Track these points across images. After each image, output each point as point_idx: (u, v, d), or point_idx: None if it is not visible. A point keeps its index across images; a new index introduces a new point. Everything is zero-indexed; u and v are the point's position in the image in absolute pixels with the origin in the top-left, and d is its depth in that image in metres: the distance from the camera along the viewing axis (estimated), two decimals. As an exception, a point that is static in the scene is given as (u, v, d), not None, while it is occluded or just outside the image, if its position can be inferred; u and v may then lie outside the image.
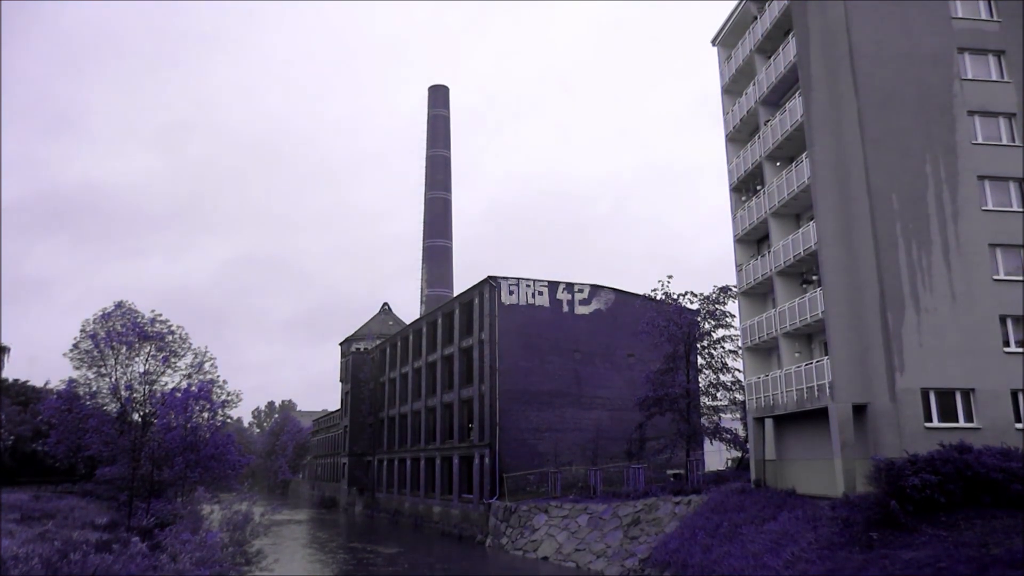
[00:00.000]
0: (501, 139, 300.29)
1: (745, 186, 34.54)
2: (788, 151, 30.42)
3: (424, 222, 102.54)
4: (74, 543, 18.43)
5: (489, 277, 48.30)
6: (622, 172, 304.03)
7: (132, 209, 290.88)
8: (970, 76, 27.40)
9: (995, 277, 25.39)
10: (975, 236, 25.62)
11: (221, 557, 21.91)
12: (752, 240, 33.92)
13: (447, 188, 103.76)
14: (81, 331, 37.40)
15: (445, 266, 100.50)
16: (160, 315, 37.98)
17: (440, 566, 36.04)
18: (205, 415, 34.43)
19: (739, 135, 34.87)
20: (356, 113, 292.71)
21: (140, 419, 36.95)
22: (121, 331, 37.05)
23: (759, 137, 32.23)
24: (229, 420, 41.38)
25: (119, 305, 38.09)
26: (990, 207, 26.06)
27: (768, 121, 31.56)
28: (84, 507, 33.21)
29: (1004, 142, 26.83)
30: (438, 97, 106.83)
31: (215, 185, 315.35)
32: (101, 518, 29.99)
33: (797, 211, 30.27)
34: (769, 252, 31.07)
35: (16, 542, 20.16)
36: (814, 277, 28.86)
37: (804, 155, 28.55)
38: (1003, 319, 25.11)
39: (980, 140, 26.73)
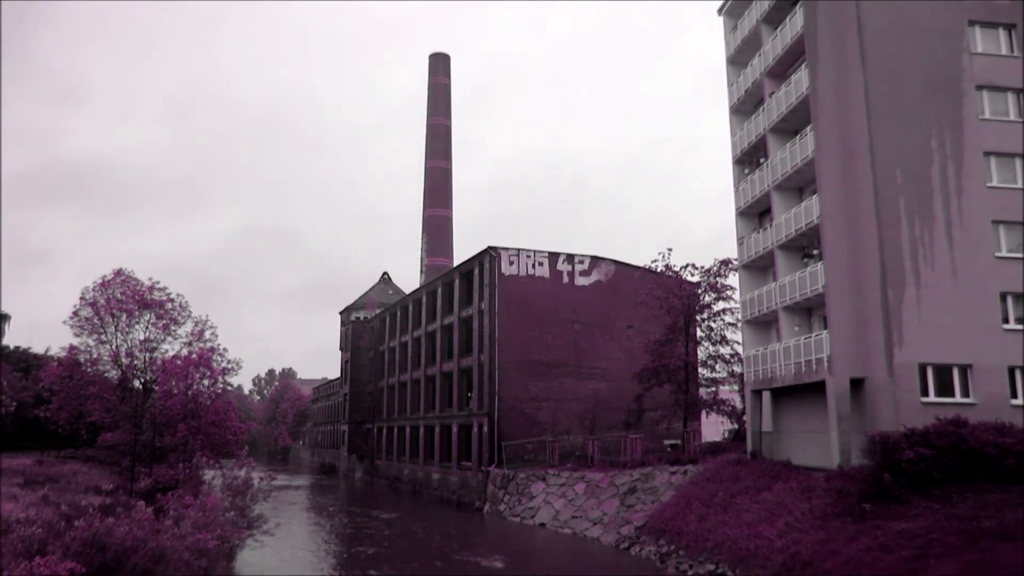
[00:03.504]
0: (503, 113, 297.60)
1: (748, 159, 34.32)
2: (792, 124, 30.16)
3: (424, 191, 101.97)
4: (78, 507, 18.66)
5: (489, 247, 48.23)
6: (624, 146, 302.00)
7: (134, 180, 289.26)
8: (980, 50, 27.04)
9: (997, 254, 25.36)
10: (978, 212, 25.53)
11: (223, 521, 22.18)
12: (754, 214, 33.81)
13: (447, 157, 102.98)
14: (81, 299, 37.39)
15: (445, 236, 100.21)
16: (159, 283, 37.95)
17: (438, 531, 36.56)
18: (205, 382, 34.58)
19: (743, 107, 34.54)
20: (359, 85, 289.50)
21: (141, 386, 37.13)
22: (120, 299, 37.05)
23: (763, 109, 31.94)
24: (230, 387, 41.58)
25: (118, 273, 38.03)
26: (995, 184, 25.92)
27: (773, 93, 31.23)
28: (87, 472, 33.59)
29: (1012, 118, 26.58)
30: (439, 65, 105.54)
31: (217, 156, 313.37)
32: (104, 483, 30.35)
33: (800, 185, 30.12)
34: (771, 226, 30.99)
35: (20, 506, 20.42)
36: (815, 251, 28.82)
37: (808, 128, 28.32)
38: (1003, 296, 25.14)
39: (987, 116, 26.48)
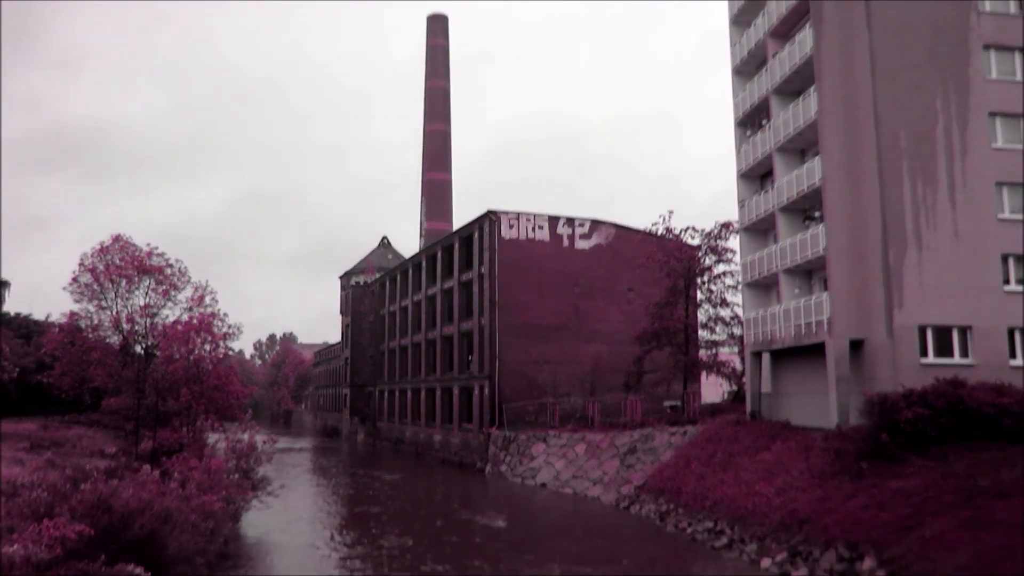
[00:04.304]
0: (503, 76, 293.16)
1: (750, 121, 33.94)
2: (796, 85, 29.74)
3: (423, 155, 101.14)
4: (83, 471, 18.87)
5: (489, 211, 48.01)
6: (626, 109, 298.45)
7: (133, 146, 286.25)
8: (988, 9, 26.51)
9: (1000, 216, 25.24)
10: (982, 174, 25.33)
11: (228, 483, 22.47)
12: (755, 176, 33.56)
13: (446, 121, 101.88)
14: (80, 265, 37.26)
15: (445, 200, 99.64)
16: (157, 248, 37.79)
17: (440, 491, 37.07)
18: (207, 347, 34.66)
19: (746, 68, 34.04)
20: (357, 48, 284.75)
21: (143, 351, 37.24)
22: (120, 265, 36.92)
23: (766, 70, 31.47)
24: (231, 352, 41.71)
25: (117, 239, 37.85)
26: (1000, 145, 25.66)
27: (776, 53, 30.72)
28: (92, 436, 33.92)
29: (1018, 78, 26.17)
30: (437, 27, 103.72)
31: (216, 122, 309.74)
32: (109, 446, 30.66)
33: (802, 146, 29.84)
34: (772, 188, 30.80)
35: (26, 470, 20.65)
36: (817, 214, 28.69)
37: (812, 89, 27.95)
38: (1005, 258, 25.09)
39: (994, 76, 26.08)
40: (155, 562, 12.82)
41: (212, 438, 31.96)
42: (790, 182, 29.20)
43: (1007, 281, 25.09)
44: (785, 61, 29.80)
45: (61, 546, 11.18)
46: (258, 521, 25.26)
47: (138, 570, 11.69)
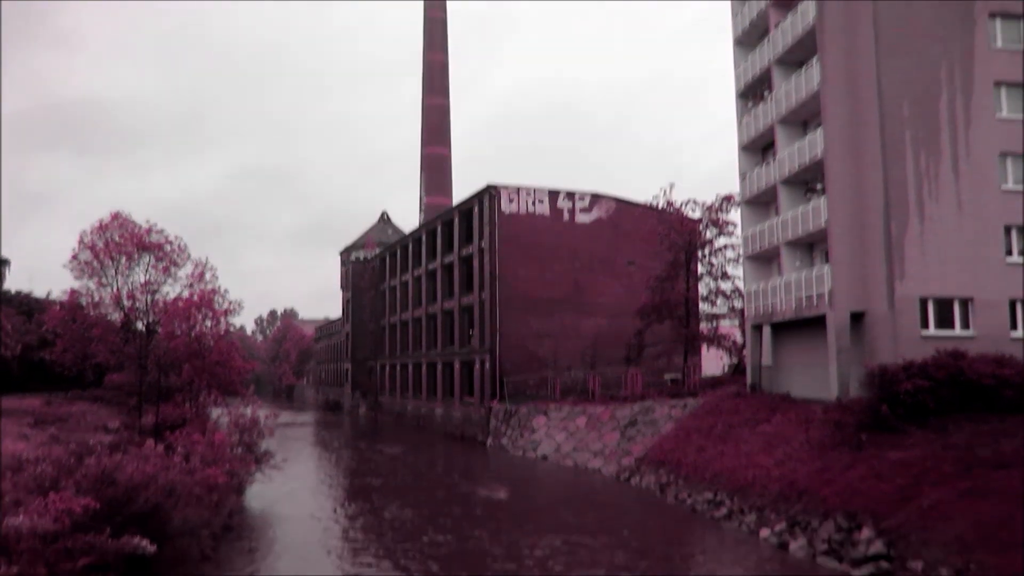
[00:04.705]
0: (502, 48, 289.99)
1: (752, 92, 33.58)
2: (798, 55, 29.36)
3: (422, 129, 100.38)
4: (87, 445, 18.98)
5: (489, 185, 47.78)
6: (626, 81, 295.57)
7: (131, 122, 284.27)
8: (994, -26, 26.09)
9: (1003, 187, 25.06)
10: (986, 144, 25.10)
11: (231, 457, 22.61)
12: (757, 148, 33.31)
13: (445, 94, 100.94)
14: (80, 242, 37.16)
15: (444, 175, 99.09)
16: (156, 224, 37.66)
17: (442, 463, 37.35)
18: (208, 323, 34.69)
19: (748, 38, 33.59)
20: (356, 22, 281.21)
21: (144, 328, 37.28)
22: (119, 241, 36.82)
23: (768, 40, 31.06)
24: (233, 328, 41.78)
25: (116, 216, 37.71)
26: (1004, 115, 25.39)
27: (779, 23, 30.29)
28: (95, 411, 34.06)
29: (1024, 47, 25.85)
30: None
31: (215, 97, 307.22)
32: (112, 421, 30.81)
33: (804, 118, 29.56)
34: (774, 160, 30.58)
35: (31, 445, 20.78)
36: (819, 186, 28.51)
37: (815, 59, 27.60)
38: (1008, 229, 24.96)
39: (999, 45, 25.71)
40: (160, 534, 12.94)
41: (215, 413, 32.13)
42: (792, 154, 28.98)
43: (1009, 252, 24.99)
44: (787, 31, 29.41)
45: (68, 518, 11.27)
46: (262, 494, 25.49)
47: (144, 542, 11.79)
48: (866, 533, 16.59)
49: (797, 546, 17.62)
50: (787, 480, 20.83)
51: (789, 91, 29.24)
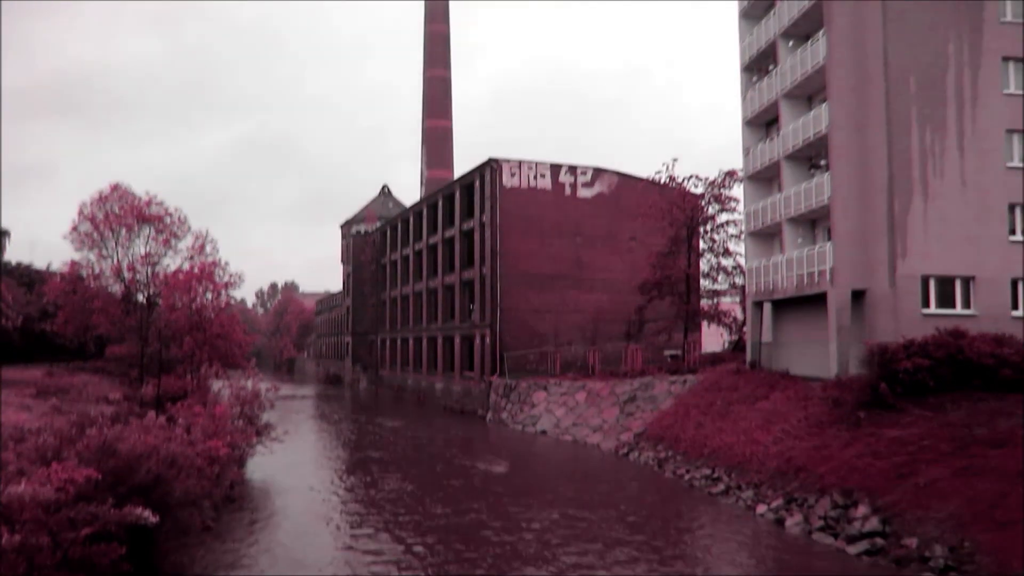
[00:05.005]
0: (504, 21, 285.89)
1: (757, 66, 33.19)
2: (804, 28, 28.96)
3: (423, 102, 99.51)
4: (89, 416, 19.07)
5: (490, 159, 47.49)
6: (630, 55, 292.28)
7: (131, 93, 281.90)
8: (1005, -53, 25.64)
9: (1008, 164, 24.87)
10: (992, 121, 24.87)
11: (232, 429, 22.73)
12: (761, 123, 33.02)
13: (447, 66, 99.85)
14: (79, 214, 37.11)
15: (445, 148, 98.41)
16: (156, 196, 37.58)
17: (442, 437, 37.61)
18: (209, 296, 34.73)
19: (753, 11, 33.09)
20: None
21: (145, 300, 37.36)
22: (119, 213, 36.77)
23: (774, 13, 30.62)
24: (233, 301, 41.85)
25: (115, 187, 37.59)
26: (1011, 90, 25.12)
27: (786, -6, 29.84)
28: (96, 383, 34.20)
29: (1034, 20, 25.47)
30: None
31: (215, 68, 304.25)
32: (113, 393, 30.96)
33: (809, 92, 29.24)
34: (778, 135, 30.32)
35: (34, 415, 20.90)
36: (822, 162, 28.30)
37: (821, 33, 27.23)
38: (1012, 207, 24.84)
39: (1009, 18, 25.35)
40: (162, 505, 13.03)
41: (216, 385, 32.28)
42: (796, 129, 28.72)
43: (1012, 231, 24.89)
44: (794, 3, 28.97)
45: (72, 487, 11.35)
46: (263, 465, 25.69)
47: (146, 513, 11.88)
48: (862, 510, 16.71)
49: (793, 522, 17.77)
50: (785, 457, 20.96)
51: (794, 65, 28.90)
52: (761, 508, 19.27)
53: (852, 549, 15.58)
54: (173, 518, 13.68)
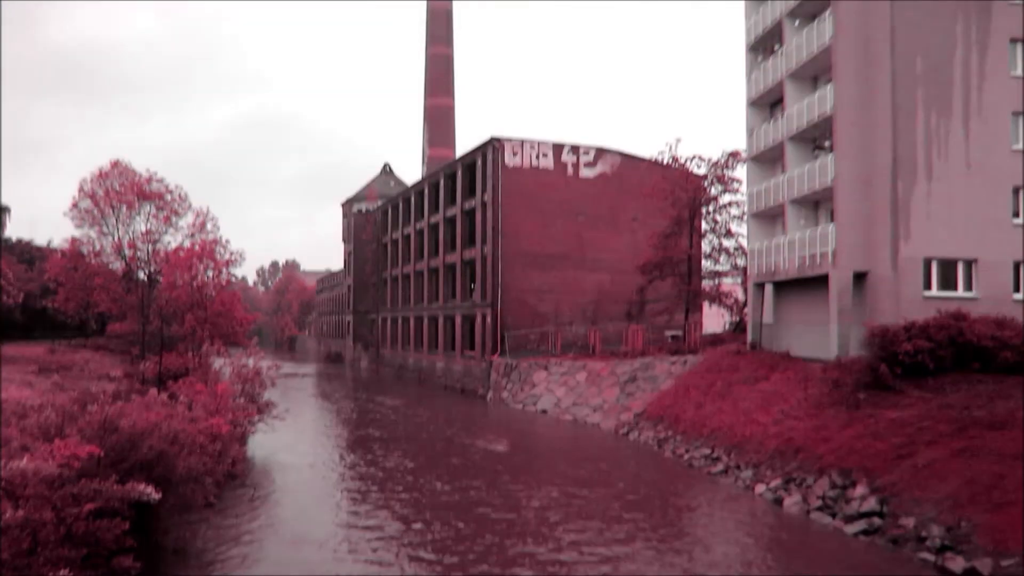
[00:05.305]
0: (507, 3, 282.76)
1: (762, 46, 32.85)
2: (810, 8, 28.60)
3: (425, 80, 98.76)
4: (91, 393, 19.15)
5: (492, 138, 47.22)
6: (634, 34, 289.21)
7: (133, 68, 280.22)
8: (1015, -75, 25.25)
9: (1014, 147, 24.70)
10: (998, 103, 24.66)
11: (234, 406, 22.84)
12: (765, 104, 32.75)
13: (449, 43, 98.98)
14: (80, 190, 37.03)
15: (447, 126, 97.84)
16: (156, 173, 37.49)
17: (443, 416, 37.78)
18: (210, 273, 34.76)
19: (760, -12, 32.70)
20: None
21: (146, 277, 37.41)
22: (119, 190, 36.70)
23: (781, -10, 30.24)
24: (234, 279, 41.89)
25: (115, 164, 37.48)
26: (1019, 72, 24.87)
27: (792, -28, 29.45)
28: (98, 360, 34.37)
29: (1044, 0, 25.15)
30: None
31: (216, 45, 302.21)
32: (115, 370, 31.11)
33: (815, 73, 28.96)
34: (782, 116, 30.08)
35: (36, 392, 20.99)
36: (827, 143, 28.12)
37: (827, 12, 26.90)
38: (1016, 190, 24.71)
39: (1017, -2, 25.06)
40: (164, 481, 13.11)
41: (217, 363, 32.38)
42: (800, 110, 28.49)
43: (1016, 214, 24.78)
44: (801, -19, 28.62)
45: (76, 463, 11.42)
46: (264, 443, 25.84)
47: (148, 489, 11.95)
48: (860, 490, 16.81)
49: (791, 502, 17.88)
50: (784, 437, 21.05)
51: (800, 44, 28.59)
52: (760, 488, 19.39)
53: (849, 528, 15.70)
54: (175, 494, 13.78)
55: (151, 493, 11.99)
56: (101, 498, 11.30)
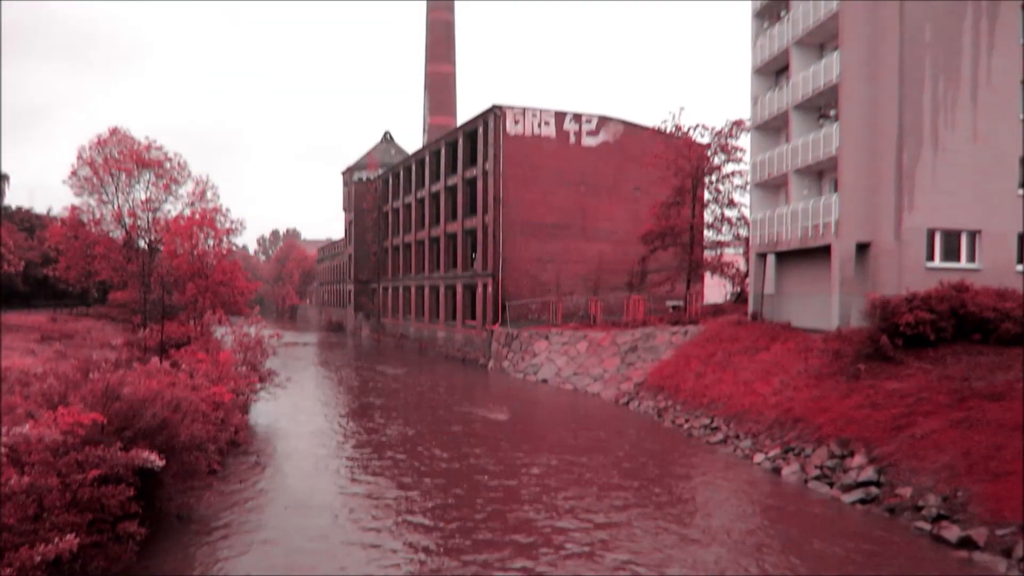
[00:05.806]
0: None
1: (768, 12, 32.34)
2: (819, -29, 28.10)
3: (426, 46, 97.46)
4: (93, 361, 19.24)
5: (494, 106, 46.73)
6: (637, 4, 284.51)
7: (133, 35, 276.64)
8: None
9: (1022, 116, 24.40)
10: (1008, 71, 24.33)
11: (235, 375, 22.95)
12: (771, 72, 32.34)
13: (450, 9, 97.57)
14: (78, 157, 36.76)
15: (448, 94, 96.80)
16: (155, 141, 37.19)
17: (443, 385, 37.99)
18: (211, 242, 34.68)
19: (767, -48, 32.08)
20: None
21: (146, 246, 37.33)
22: (118, 158, 36.43)
23: (789, -46, 29.68)
24: (235, 248, 41.81)
25: (114, 131, 37.15)
26: (1028, 39, 24.49)
27: (801, -64, 28.85)
28: (100, 328, 34.49)
29: (1056, -35, 24.66)
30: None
31: (217, 13, 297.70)
32: (117, 339, 31.19)
33: (821, 40, 28.55)
34: (787, 84, 29.73)
35: (39, 360, 21.08)
36: (832, 112, 27.80)
37: (836, -24, 26.43)
38: (1023, 161, 24.47)
39: (1030, -37, 24.56)
40: (168, 449, 13.21)
41: (219, 332, 32.47)
42: (806, 78, 28.14)
43: (1022, 185, 24.59)
44: (809, -54, 28.05)
45: (81, 430, 11.49)
46: (266, 411, 26.01)
47: (152, 456, 12.04)
48: (858, 460, 16.93)
49: (789, 471, 18.03)
50: (783, 407, 21.16)
51: (807, 11, 28.15)
52: (758, 457, 19.54)
53: (847, 498, 15.84)
54: (179, 461, 13.89)
55: (155, 460, 12.07)
56: (105, 465, 11.39)
